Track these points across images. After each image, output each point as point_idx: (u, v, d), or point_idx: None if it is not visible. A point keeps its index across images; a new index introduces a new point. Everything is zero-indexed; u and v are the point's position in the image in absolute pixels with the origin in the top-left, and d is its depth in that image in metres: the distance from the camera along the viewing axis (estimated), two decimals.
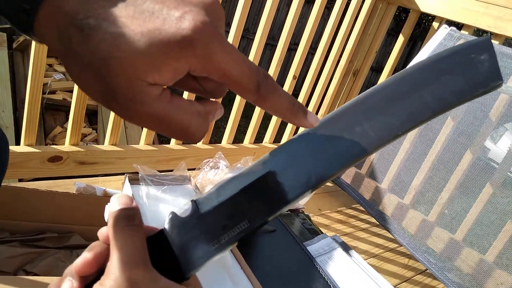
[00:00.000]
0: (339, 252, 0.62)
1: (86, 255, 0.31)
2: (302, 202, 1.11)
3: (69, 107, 2.45)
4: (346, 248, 0.65)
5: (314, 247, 0.62)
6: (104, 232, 0.31)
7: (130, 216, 0.31)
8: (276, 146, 1.20)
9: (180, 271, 0.30)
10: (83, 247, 0.89)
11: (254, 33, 1.43)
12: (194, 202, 0.32)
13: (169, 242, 0.31)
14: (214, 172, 0.71)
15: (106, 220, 0.61)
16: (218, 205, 0.31)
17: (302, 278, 0.53)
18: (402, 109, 0.32)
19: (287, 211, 0.73)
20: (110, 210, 0.32)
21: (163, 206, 0.60)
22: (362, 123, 0.32)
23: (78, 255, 0.89)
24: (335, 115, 0.34)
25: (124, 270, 0.27)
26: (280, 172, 0.31)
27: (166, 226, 0.32)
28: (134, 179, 0.62)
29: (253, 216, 0.30)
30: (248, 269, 0.50)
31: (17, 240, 0.83)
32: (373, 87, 0.34)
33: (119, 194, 0.33)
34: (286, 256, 0.57)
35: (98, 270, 0.31)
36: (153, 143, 1.27)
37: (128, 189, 0.60)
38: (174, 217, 0.32)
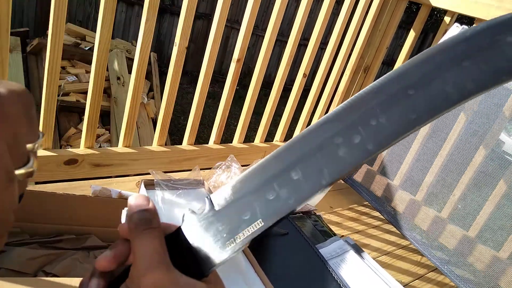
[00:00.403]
0: (351, 254, 0.63)
1: (106, 253, 0.32)
2: (315, 201, 1.12)
3: (83, 108, 2.50)
4: (358, 250, 0.65)
5: (326, 249, 0.63)
6: (124, 227, 0.32)
7: (148, 220, 0.32)
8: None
9: (199, 269, 0.31)
10: (100, 248, 0.91)
11: (263, 30, 1.43)
12: (210, 200, 0.32)
13: (187, 240, 0.32)
14: (227, 175, 0.72)
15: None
16: (232, 203, 0.31)
17: (315, 281, 0.54)
18: (420, 100, 0.30)
19: (299, 213, 0.73)
20: (128, 213, 0.32)
21: (178, 210, 0.61)
22: (378, 116, 0.30)
23: (95, 256, 0.92)
24: (350, 104, 0.32)
25: (146, 273, 0.29)
26: (292, 169, 0.31)
27: (183, 224, 0.32)
28: (150, 184, 0.63)
29: (266, 215, 0.30)
30: (262, 272, 0.51)
31: (37, 242, 0.85)
32: (391, 72, 0.32)
33: (136, 194, 0.34)
34: (298, 259, 0.58)
35: (119, 266, 0.33)
36: (165, 144, 1.29)
37: (143, 193, 0.62)
38: (191, 215, 0.32)
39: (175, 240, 0.32)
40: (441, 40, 1.17)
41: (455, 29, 1.11)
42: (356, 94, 0.32)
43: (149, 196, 0.62)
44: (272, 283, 0.49)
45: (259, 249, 0.55)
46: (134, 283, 0.29)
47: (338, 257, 0.61)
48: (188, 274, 0.31)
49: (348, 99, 0.32)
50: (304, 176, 0.30)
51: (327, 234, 0.69)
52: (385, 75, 0.32)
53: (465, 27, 1.12)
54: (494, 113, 1.05)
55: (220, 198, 0.32)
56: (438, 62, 0.30)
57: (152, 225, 0.31)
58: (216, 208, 0.31)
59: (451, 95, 0.29)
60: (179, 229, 0.33)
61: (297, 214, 0.72)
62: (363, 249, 0.67)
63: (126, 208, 0.64)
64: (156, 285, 0.29)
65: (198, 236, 0.31)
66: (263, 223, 0.30)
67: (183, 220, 0.32)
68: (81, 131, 2.72)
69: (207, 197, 0.33)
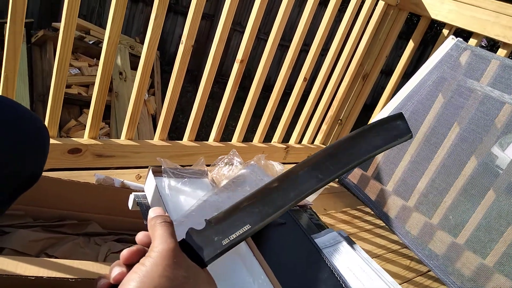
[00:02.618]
0: (344, 245, 0.66)
1: (132, 247, 0.41)
2: (310, 199, 1.15)
3: (84, 101, 2.51)
4: (351, 242, 0.68)
5: (321, 239, 0.66)
6: (140, 237, 0.42)
7: (164, 217, 0.42)
8: (285, 146, 1.24)
9: (201, 260, 0.41)
10: (100, 234, 0.94)
11: (265, 33, 1.47)
12: (207, 220, 0.44)
13: (190, 244, 0.42)
14: (229, 168, 0.75)
15: (130, 208, 0.66)
16: (226, 218, 0.44)
17: (310, 267, 0.57)
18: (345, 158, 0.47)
19: (296, 207, 0.77)
20: (149, 217, 0.43)
21: (183, 197, 0.64)
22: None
23: (95, 242, 0.94)
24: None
25: (163, 245, 0.37)
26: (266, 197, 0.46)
27: (187, 236, 0.43)
28: (157, 171, 0.66)
29: (252, 222, 0.44)
30: (261, 257, 0.54)
31: (40, 225, 0.88)
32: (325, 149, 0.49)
33: (154, 207, 0.45)
34: (295, 247, 0.61)
35: (139, 259, 0.40)
36: (166, 140, 1.32)
37: (151, 180, 0.65)
38: (192, 229, 0.43)
39: (182, 246, 0.41)
40: (437, 51, 1.22)
41: (450, 41, 1.16)
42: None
43: (156, 182, 0.65)
44: (270, 267, 0.52)
45: (258, 236, 0.59)
46: (152, 254, 0.37)
47: (331, 246, 0.64)
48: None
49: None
50: (277, 197, 0.46)
51: (322, 227, 0.73)
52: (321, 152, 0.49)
53: (460, 39, 1.16)
54: (486, 124, 1.09)
55: (216, 218, 0.44)
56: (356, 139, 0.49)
57: (166, 220, 0.41)
58: (213, 224, 0.44)
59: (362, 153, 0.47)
60: (183, 240, 0.42)
61: (294, 207, 0.76)
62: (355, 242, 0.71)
63: (133, 193, 0.67)
64: (171, 253, 0.37)
65: (199, 240, 0.42)
66: (250, 227, 0.43)
67: (187, 234, 0.43)
68: (81, 123, 2.73)
69: (205, 220, 0.44)
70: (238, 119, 1.51)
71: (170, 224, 0.41)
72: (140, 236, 0.41)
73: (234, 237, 0.42)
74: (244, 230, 0.43)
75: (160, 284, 0.34)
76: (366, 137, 0.48)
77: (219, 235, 0.42)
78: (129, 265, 0.38)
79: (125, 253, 0.39)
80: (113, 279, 0.38)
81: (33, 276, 0.62)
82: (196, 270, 0.39)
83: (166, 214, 0.43)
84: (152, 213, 0.43)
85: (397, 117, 0.50)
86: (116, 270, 0.38)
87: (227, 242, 0.42)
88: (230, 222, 0.44)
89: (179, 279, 0.35)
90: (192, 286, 0.36)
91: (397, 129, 0.49)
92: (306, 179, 0.46)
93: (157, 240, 0.38)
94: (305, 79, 1.57)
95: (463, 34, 1.43)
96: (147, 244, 0.40)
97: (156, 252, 0.37)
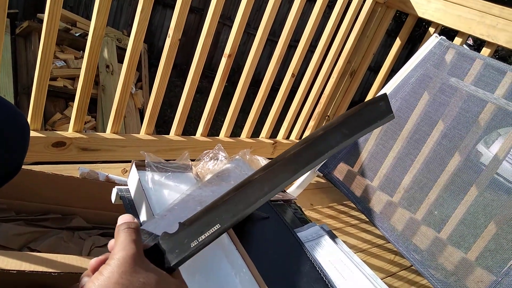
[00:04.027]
0: (326, 239, 0.67)
1: (99, 257, 0.41)
2: (294, 194, 1.16)
3: (70, 94, 2.48)
4: (333, 236, 0.69)
5: (303, 233, 0.67)
6: (112, 244, 0.41)
7: (128, 223, 0.41)
8: (273, 142, 1.24)
9: (169, 267, 0.41)
10: (84, 229, 0.94)
11: (255, 28, 1.46)
12: (182, 224, 0.44)
13: (160, 249, 0.42)
14: (214, 163, 0.75)
15: (113, 202, 0.65)
16: (198, 219, 0.44)
17: (292, 260, 0.58)
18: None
19: (280, 201, 0.77)
20: (117, 224, 0.42)
21: (167, 191, 0.64)
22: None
23: (79, 237, 0.93)
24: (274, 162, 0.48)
25: (122, 252, 0.37)
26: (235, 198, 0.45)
27: (159, 241, 0.43)
28: (141, 165, 0.66)
29: (222, 221, 0.43)
30: (243, 250, 0.54)
31: (23, 219, 0.87)
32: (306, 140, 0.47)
33: (123, 215, 0.44)
34: (277, 241, 0.62)
35: None
36: (152, 134, 1.31)
37: (134, 174, 0.64)
38: (165, 233, 0.43)
39: (152, 252, 0.42)
40: (420, 49, 1.23)
41: (434, 39, 1.17)
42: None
43: (139, 176, 0.65)
44: (252, 260, 0.53)
45: (241, 230, 0.59)
46: (111, 261, 0.37)
47: (313, 240, 0.65)
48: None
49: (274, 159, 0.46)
50: (245, 197, 0.45)
51: (305, 221, 0.73)
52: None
53: (443, 37, 1.18)
54: (470, 122, 1.11)
55: (189, 220, 0.44)
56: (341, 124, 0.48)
57: (130, 227, 0.41)
58: (185, 226, 0.43)
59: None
60: (155, 244, 0.43)
61: (278, 202, 0.76)
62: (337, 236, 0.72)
63: (116, 187, 0.66)
64: (129, 261, 0.37)
65: (170, 244, 0.42)
66: (219, 226, 0.43)
67: (160, 238, 0.43)
68: (67, 117, 2.70)
69: (179, 222, 0.44)
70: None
71: (133, 230, 0.40)
72: (111, 244, 0.41)
73: (203, 238, 0.42)
74: (214, 229, 0.43)
75: None
76: (346, 123, 0.47)
77: (189, 237, 0.42)
78: None
79: (93, 262, 0.39)
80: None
81: (14, 270, 0.62)
82: (160, 275, 0.38)
83: (134, 220, 0.43)
84: (120, 220, 0.43)
85: (380, 99, 0.48)
86: (84, 281, 0.39)
87: (195, 244, 0.42)
88: (201, 222, 0.43)
89: (135, 285, 0.35)
90: None
91: (378, 110, 0.48)
92: (281, 171, 0.46)
93: (117, 247, 0.38)
94: (293, 75, 1.57)
95: (451, 33, 1.45)
96: None
97: (114, 259, 0.37)
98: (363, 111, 0.48)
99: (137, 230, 0.41)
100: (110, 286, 0.34)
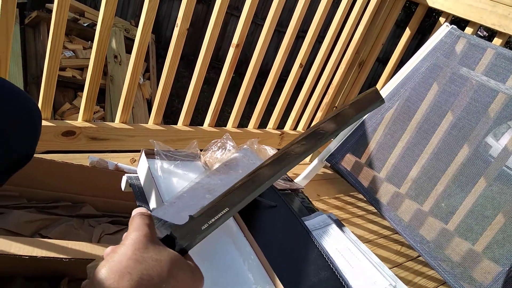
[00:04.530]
0: (333, 227, 0.67)
1: (113, 246, 0.41)
2: (302, 184, 1.16)
3: (78, 84, 2.49)
4: (340, 224, 0.70)
5: (310, 222, 0.67)
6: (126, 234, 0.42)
7: (142, 211, 0.43)
8: (280, 132, 1.24)
9: (181, 247, 0.42)
10: (94, 216, 0.95)
11: (263, 19, 1.45)
12: (191, 216, 0.45)
13: (172, 237, 0.43)
14: (222, 152, 0.75)
15: (123, 189, 0.66)
16: (207, 209, 0.45)
17: (299, 248, 0.58)
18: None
19: (287, 190, 0.78)
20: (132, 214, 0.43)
21: (176, 179, 0.65)
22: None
23: (89, 224, 0.95)
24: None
25: (133, 232, 0.39)
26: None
27: (171, 232, 0.44)
28: (150, 154, 0.67)
29: (230, 204, 0.45)
30: (251, 237, 0.55)
31: (34, 206, 0.88)
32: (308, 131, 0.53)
33: (138, 208, 0.45)
34: (285, 228, 0.62)
35: None
36: (160, 124, 1.32)
37: (144, 162, 0.65)
38: (175, 225, 0.44)
39: (165, 239, 0.43)
40: (431, 38, 1.21)
41: (445, 28, 1.16)
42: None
43: (149, 164, 0.65)
44: (260, 247, 0.54)
45: (249, 218, 0.59)
46: (128, 239, 0.38)
47: (321, 229, 0.66)
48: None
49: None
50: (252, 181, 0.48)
51: (312, 211, 0.74)
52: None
53: (454, 26, 1.16)
54: (480, 113, 1.10)
55: (198, 212, 0.45)
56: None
57: (144, 213, 0.42)
58: (195, 216, 0.45)
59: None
60: (167, 235, 0.44)
61: (285, 191, 0.77)
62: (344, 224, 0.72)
63: (126, 175, 0.67)
64: (137, 240, 0.38)
65: (181, 232, 0.43)
66: (228, 209, 0.45)
67: (172, 230, 0.44)
68: (76, 107, 2.72)
69: (189, 216, 0.45)
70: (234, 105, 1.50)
71: (147, 216, 0.42)
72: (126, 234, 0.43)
73: (213, 221, 0.44)
74: (223, 213, 0.44)
75: (128, 265, 0.35)
76: (341, 113, 0.52)
77: (199, 224, 0.44)
78: None
79: (108, 250, 0.40)
80: None
81: (27, 256, 0.63)
82: (172, 255, 0.39)
83: (148, 212, 0.44)
84: (134, 211, 0.44)
85: (371, 91, 0.55)
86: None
87: (206, 226, 0.43)
88: (210, 210, 0.45)
89: (148, 262, 0.36)
90: (164, 269, 0.37)
91: (369, 99, 0.53)
92: (282, 158, 0.49)
93: (131, 228, 0.40)
94: (301, 65, 1.57)
95: (462, 23, 1.43)
96: None
97: (129, 239, 0.38)
98: (353, 104, 0.54)
99: (150, 217, 0.42)
100: (123, 262, 0.35)
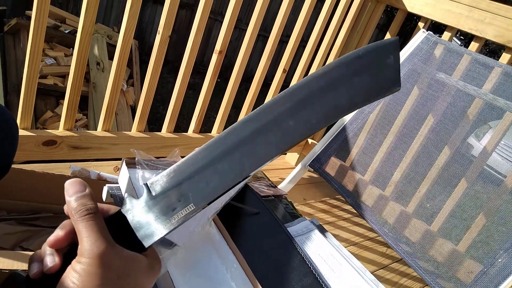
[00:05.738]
0: (316, 233, 0.68)
1: (58, 233, 0.37)
2: (286, 189, 1.17)
3: (60, 92, 2.46)
4: (322, 230, 0.70)
5: (293, 228, 0.68)
6: (66, 209, 0.37)
7: (87, 206, 0.36)
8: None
9: (140, 244, 0.36)
10: None
11: (247, 24, 1.46)
12: (147, 186, 0.37)
13: (127, 221, 0.37)
14: None
15: (104, 200, 0.66)
16: (168, 190, 0.37)
17: (282, 255, 0.58)
18: (320, 108, 0.37)
19: (271, 197, 0.78)
20: (67, 199, 0.37)
21: None
22: (288, 119, 0.37)
23: None
24: (266, 107, 0.38)
25: (93, 250, 0.34)
26: (219, 161, 0.37)
27: (124, 207, 0.37)
28: (131, 163, 0.66)
29: (197, 200, 0.36)
30: (234, 245, 0.55)
31: (14, 218, 0.87)
32: (299, 82, 0.39)
33: (72, 179, 0.38)
34: (268, 236, 0.62)
35: (69, 244, 0.38)
36: (144, 131, 1.31)
37: (125, 172, 0.65)
38: (130, 199, 0.37)
39: (116, 221, 0.37)
40: (408, 44, 1.24)
41: (421, 34, 1.18)
42: (272, 98, 0.39)
43: (130, 174, 0.65)
44: (243, 255, 0.54)
45: (232, 226, 0.60)
46: (84, 257, 0.34)
47: (303, 235, 0.66)
48: (130, 249, 0.36)
49: (266, 102, 0.39)
50: (229, 167, 0.36)
51: (296, 217, 0.74)
52: (295, 84, 0.39)
53: (430, 32, 1.19)
54: (458, 117, 1.13)
55: (157, 185, 0.37)
56: (335, 77, 0.38)
57: (90, 212, 0.36)
58: (153, 193, 0.37)
59: (342, 106, 0.37)
60: (119, 212, 0.37)
61: (269, 197, 0.77)
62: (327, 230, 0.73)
63: (107, 185, 0.67)
64: (102, 258, 0.34)
65: (138, 217, 0.36)
66: (194, 207, 0.36)
67: (123, 204, 0.37)
68: (58, 115, 2.68)
69: (144, 184, 0.37)
70: None
71: (95, 217, 0.36)
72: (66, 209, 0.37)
73: (177, 219, 0.36)
74: (190, 210, 0.36)
75: None
76: (352, 77, 0.37)
77: (160, 214, 0.36)
78: (59, 250, 0.37)
79: (52, 239, 0.37)
80: (47, 270, 0.36)
81: (6, 269, 0.62)
82: (133, 262, 0.36)
83: (87, 191, 0.37)
84: (70, 189, 0.37)
85: (392, 46, 0.38)
86: (49, 260, 0.37)
87: (168, 225, 0.36)
88: (173, 194, 0.36)
89: (113, 281, 0.34)
90: (130, 281, 0.35)
91: (389, 70, 0.37)
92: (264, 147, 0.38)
93: (85, 241, 0.35)
94: (284, 70, 1.58)
95: (442, 27, 1.46)
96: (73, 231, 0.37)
97: (86, 257, 0.34)
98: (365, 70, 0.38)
99: (98, 215, 0.36)
100: None
